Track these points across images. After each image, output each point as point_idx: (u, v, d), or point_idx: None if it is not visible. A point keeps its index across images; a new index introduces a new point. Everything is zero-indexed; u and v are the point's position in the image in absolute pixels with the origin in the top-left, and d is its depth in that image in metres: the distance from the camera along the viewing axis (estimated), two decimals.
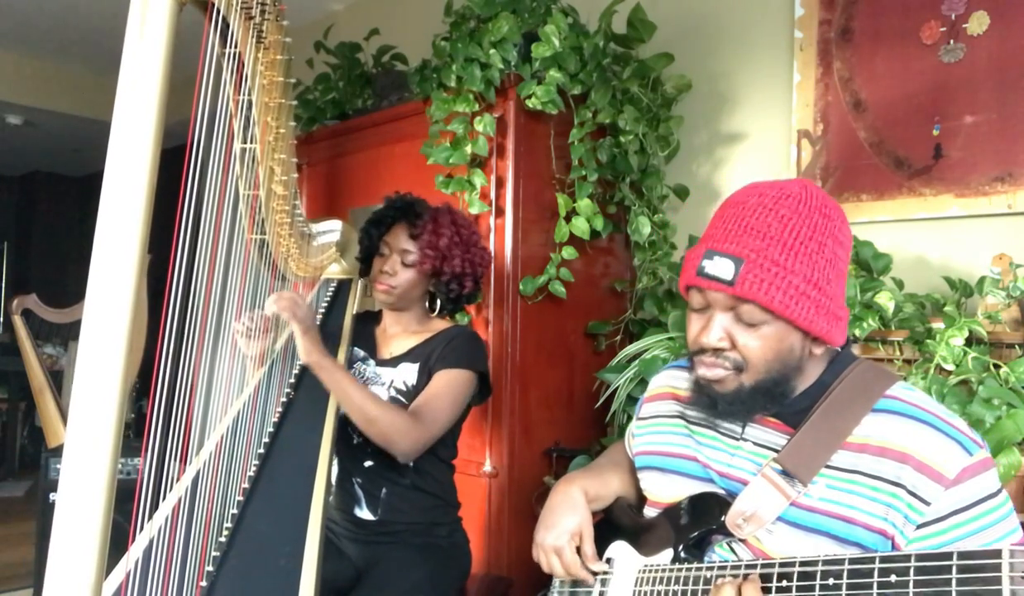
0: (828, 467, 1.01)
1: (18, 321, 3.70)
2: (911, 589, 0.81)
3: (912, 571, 0.81)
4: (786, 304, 0.99)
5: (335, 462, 1.76)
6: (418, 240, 1.76)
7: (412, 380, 1.76)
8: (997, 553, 0.76)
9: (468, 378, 1.75)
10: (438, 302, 1.85)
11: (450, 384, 1.72)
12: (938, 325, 1.75)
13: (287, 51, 1.17)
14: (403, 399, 1.75)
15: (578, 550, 1.21)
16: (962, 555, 0.79)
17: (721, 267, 1.01)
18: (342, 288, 2.01)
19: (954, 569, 0.78)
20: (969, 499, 0.94)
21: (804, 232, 1.01)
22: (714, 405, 1.09)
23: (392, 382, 1.78)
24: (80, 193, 7.73)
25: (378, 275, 1.80)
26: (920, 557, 0.82)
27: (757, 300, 0.99)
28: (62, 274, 7.22)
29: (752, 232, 1.01)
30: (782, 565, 0.94)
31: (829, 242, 1.02)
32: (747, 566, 1.00)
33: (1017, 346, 1.68)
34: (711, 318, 1.05)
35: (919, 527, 0.94)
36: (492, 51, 2.17)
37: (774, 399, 1.06)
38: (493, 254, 2.23)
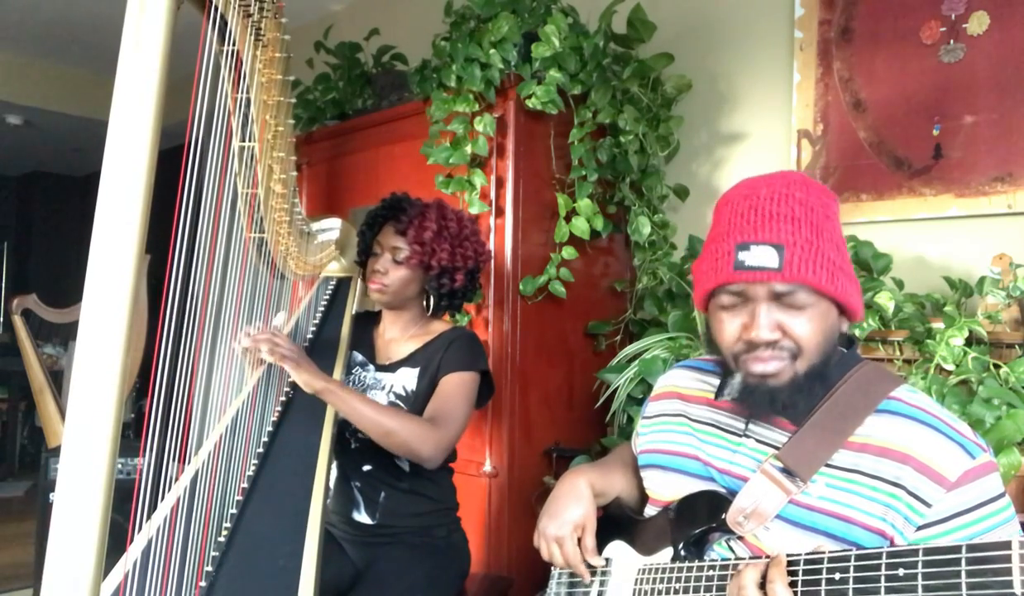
0: (828, 466, 1.01)
1: (18, 321, 3.69)
2: (920, 582, 0.80)
3: (920, 564, 0.81)
4: (832, 282, 1.00)
5: (334, 466, 1.75)
6: (406, 235, 1.74)
7: (412, 385, 1.76)
8: (1007, 544, 0.75)
9: (474, 379, 1.75)
10: (432, 301, 1.83)
11: (460, 386, 1.72)
12: (938, 325, 1.75)
13: (286, 49, 1.17)
14: (402, 404, 1.75)
15: (579, 542, 1.21)
16: (971, 547, 0.78)
17: (764, 256, 1.00)
18: (341, 286, 2.00)
19: (963, 561, 0.78)
20: (971, 502, 0.94)
21: (820, 212, 1.03)
22: (773, 402, 1.04)
23: (391, 387, 1.78)
24: (80, 193, 7.72)
25: (371, 274, 1.79)
26: (928, 550, 0.81)
27: (808, 282, 0.99)
28: (62, 274, 7.21)
29: (781, 218, 1.01)
30: (787, 562, 0.93)
31: (833, 217, 1.06)
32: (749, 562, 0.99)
33: (1017, 346, 1.68)
34: (756, 312, 1.02)
35: (920, 529, 0.94)
36: (492, 51, 2.17)
37: (823, 381, 1.05)
38: (493, 254, 2.23)
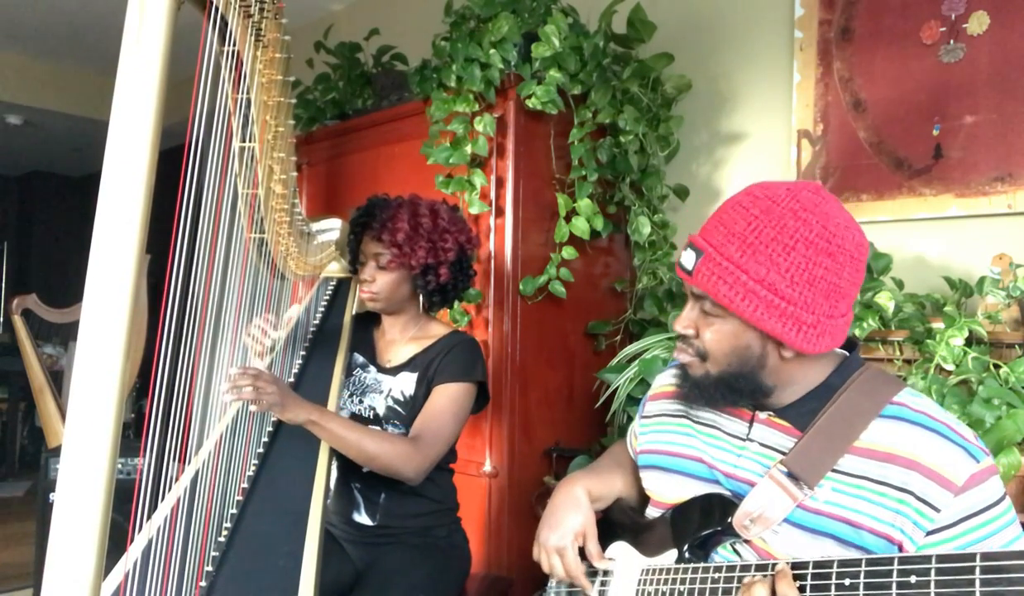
0: (834, 471, 1.01)
1: (18, 321, 3.69)
2: (932, 590, 0.80)
3: (933, 572, 0.80)
4: (732, 299, 1.01)
5: (334, 467, 1.76)
6: (382, 240, 1.74)
7: (410, 390, 1.76)
8: (1022, 554, 0.75)
9: (468, 390, 1.75)
10: (423, 299, 1.83)
11: (451, 400, 1.72)
12: (938, 325, 1.75)
13: (286, 49, 1.17)
14: (400, 409, 1.75)
15: (581, 550, 1.21)
16: (985, 556, 0.78)
17: (687, 257, 1.06)
18: (341, 287, 2.00)
19: (977, 570, 0.77)
20: (977, 505, 0.94)
21: (767, 234, 1.00)
22: (691, 390, 1.12)
23: (390, 391, 1.78)
24: (80, 193, 7.73)
25: (361, 284, 1.80)
26: (941, 558, 0.81)
27: (707, 292, 1.03)
28: (62, 274, 7.22)
29: (719, 227, 1.04)
30: (795, 566, 0.92)
31: (800, 246, 0.98)
32: (756, 567, 0.99)
33: (1017, 346, 1.68)
34: (686, 306, 1.10)
35: (929, 533, 0.95)
36: (492, 51, 2.17)
37: (741, 394, 1.08)
38: (493, 254, 2.23)
